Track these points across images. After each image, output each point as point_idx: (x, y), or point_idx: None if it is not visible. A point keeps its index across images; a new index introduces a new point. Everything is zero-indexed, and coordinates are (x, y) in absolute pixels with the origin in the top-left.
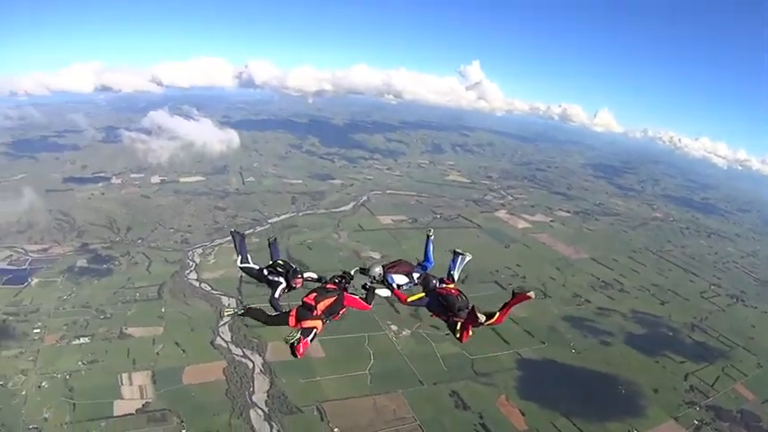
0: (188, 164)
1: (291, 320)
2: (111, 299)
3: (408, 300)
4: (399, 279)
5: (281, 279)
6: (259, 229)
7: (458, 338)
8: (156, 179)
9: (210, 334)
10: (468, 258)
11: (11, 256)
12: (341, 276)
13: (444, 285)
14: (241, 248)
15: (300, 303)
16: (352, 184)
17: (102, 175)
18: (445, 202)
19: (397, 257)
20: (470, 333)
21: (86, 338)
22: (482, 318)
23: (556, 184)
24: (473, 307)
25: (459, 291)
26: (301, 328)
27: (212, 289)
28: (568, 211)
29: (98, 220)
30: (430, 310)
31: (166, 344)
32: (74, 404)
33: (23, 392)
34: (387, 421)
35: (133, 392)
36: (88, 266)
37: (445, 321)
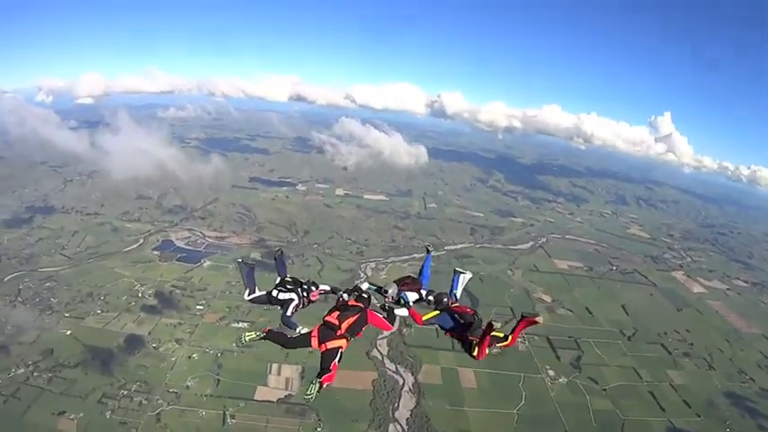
0: (374, 176)
1: (314, 342)
2: None
3: (424, 319)
4: (411, 296)
5: (293, 296)
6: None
7: (473, 356)
8: (340, 192)
9: (368, 345)
10: (468, 277)
11: (189, 237)
12: (357, 292)
13: (458, 304)
14: (249, 280)
15: (322, 323)
16: (532, 224)
17: (288, 180)
18: (623, 254)
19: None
20: (486, 351)
21: (245, 323)
22: (499, 335)
23: (737, 251)
24: (490, 322)
25: (474, 310)
26: (325, 350)
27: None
28: (746, 281)
29: (278, 219)
30: (444, 329)
31: None
32: (218, 380)
33: (173, 359)
34: None
35: (279, 382)
36: (261, 260)
37: (458, 339)
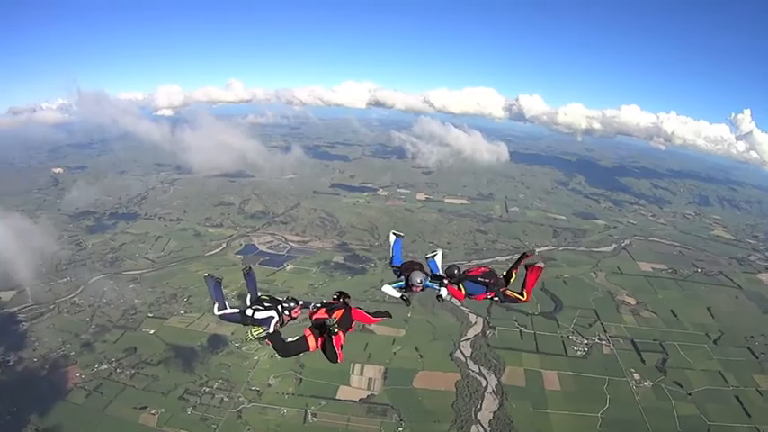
0: (455, 177)
1: (311, 341)
2: (360, 296)
3: (464, 294)
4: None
5: (272, 313)
6: (517, 256)
7: (524, 300)
8: (421, 196)
9: (451, 346)
10: (440, 254)
11: (271, 241)
12: (339, 294)
13: (467, 268)
14: (216, 295)
15: (311, 324)
16: (615, 227)
17: (368, 185)
18: (707, 256)
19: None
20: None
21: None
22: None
23: None
24: (536, 265)
25: (488, 267)
26: (323, 341)
27: (461, 305)
28: None
29: (360, 224)
30: (474, 295)
31: (405, 346)
32: (300, 379)
33: (256, 358)
34: None
35: (361, 383)
36: (344, 263)
37: (492, 297)
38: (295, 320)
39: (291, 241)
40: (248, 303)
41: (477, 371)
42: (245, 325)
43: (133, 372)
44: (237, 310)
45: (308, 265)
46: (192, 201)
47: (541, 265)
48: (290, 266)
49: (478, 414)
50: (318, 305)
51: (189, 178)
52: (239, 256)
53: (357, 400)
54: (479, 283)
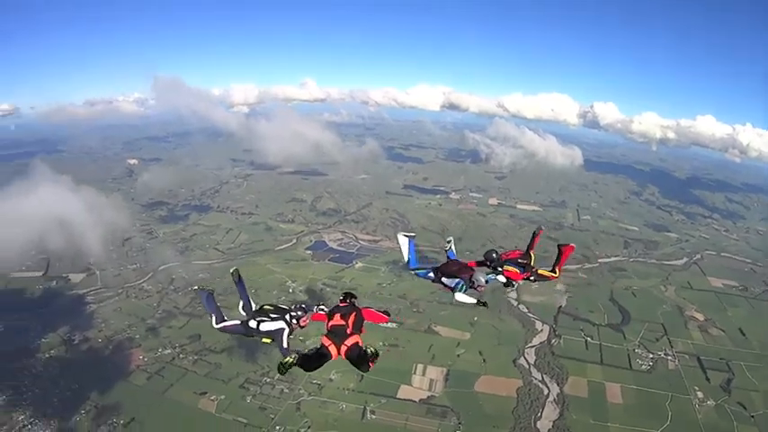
0: (528, 182)
1: (332, 350)
2: (427, 297)
3: (520, 274)
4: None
5: (281, 324)
6: (587, 266)
7: (555, 277)
8: (493, 201)
9: (515, 352)
10: (451, 241)
11: (341, 239)
12: (346, 295)
13: (504, 252)
14: (211, 307)
15: (329, 330)
16: (687, 240)
17: (441, 188)
18: None
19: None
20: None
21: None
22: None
23: None
24: (568, 246)
25: (520, 250)
26: (347, 349)
27: (528, 311)
28: None
29: (431, 225)
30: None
31: (469, 349)
32: (362, 376)
33: None
34: None
35: (423, 383)
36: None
37: (528, 277)
38: (303, 329)
39: (362, 240)
40: (241, 311)
41: (540, 379)
42: (249, 337)
43: (196, 358)
44: (239, 322)
45: (377, 264)
46: (264, 196)
47: (573, 245)
48: (359, 264)
49: (538, 423)
50: (324, 308)
51: (263, 174)
52: (309, 252)
53: (417, 400)
54: (518, 265)
